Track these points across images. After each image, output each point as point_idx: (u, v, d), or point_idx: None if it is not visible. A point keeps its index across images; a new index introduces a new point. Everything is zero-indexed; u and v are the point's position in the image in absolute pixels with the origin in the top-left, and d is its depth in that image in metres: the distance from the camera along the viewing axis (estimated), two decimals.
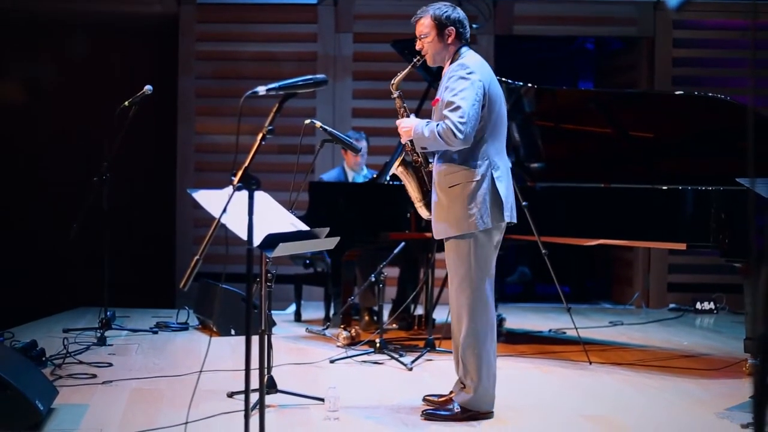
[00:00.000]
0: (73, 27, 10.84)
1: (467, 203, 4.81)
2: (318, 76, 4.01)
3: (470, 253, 4.85)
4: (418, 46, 5.03)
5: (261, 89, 3.79)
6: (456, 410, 4.94)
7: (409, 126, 4.97)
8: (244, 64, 10.34)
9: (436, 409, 5.04)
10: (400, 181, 5.30)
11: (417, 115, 7.32)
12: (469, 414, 4.93)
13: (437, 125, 4.77)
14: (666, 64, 10.40)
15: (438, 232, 4.96)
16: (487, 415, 4.96)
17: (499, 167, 4.89)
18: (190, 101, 10.35)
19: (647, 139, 7.03)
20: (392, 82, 5.20)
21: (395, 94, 5.21)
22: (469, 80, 4.79)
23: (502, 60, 10.34)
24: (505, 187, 4.90)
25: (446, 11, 4.95)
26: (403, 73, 5.18)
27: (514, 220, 4.99)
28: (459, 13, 4.99)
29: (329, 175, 8.49)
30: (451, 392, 5.14)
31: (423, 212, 5.21)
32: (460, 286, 4.90)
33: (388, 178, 7.61)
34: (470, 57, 4.92)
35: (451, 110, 4.73)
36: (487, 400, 4.95)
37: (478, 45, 10.05)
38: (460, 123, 4.69)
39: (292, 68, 9.97)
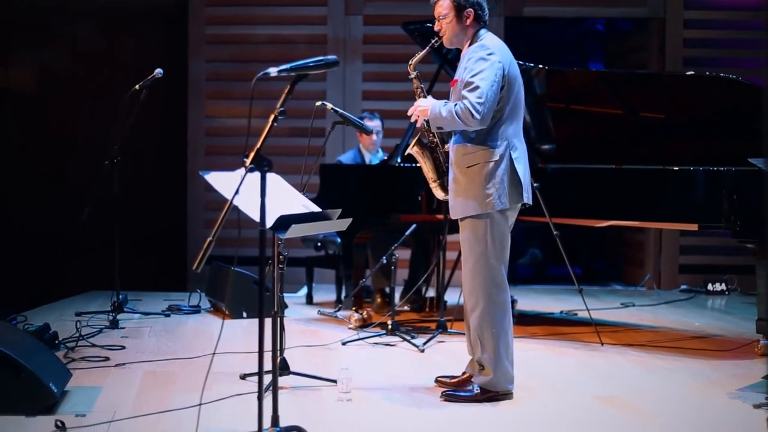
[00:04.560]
0: (82, 12, 10.84)
1: (486, 183, 4.81)
2: (329, 57, 4.02)
3: (487, 233, 4.85)
4: (436, 27, 5.04)
5: (273, 71, 3.79)
6: (476, 391, 4.95)
7: (426, 106, 4.97)
8: (254, 47, 10.34)
9: (455, 390, 5.05)
10: (411, 163, 5.30)
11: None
12: (489, 395, 4.94)
13: (455, 105, 4.77)
14: (677, 45, 10.35)
15: (455, 211, 4.96)
16: (506, 395, 4.98)
17: (517, 148, 4.90)
18: (201, 85, 10.36)
19: (658, 120, 7.01)
20: (410, 62, 5.21)
21: (413, 75, 5.23)
22: (488, 61, 4.80)
23: (512, 41, 10.18)
24: (523, 168, 4.91)
25: None
26: (422, 54, 5.20)
27: (530, 202, 5.00)
28: None
29: (346, 157, 8.47)
30: (463, 373, 5.16)
31: (438, 193, 5.22)
32: (474, 267, 4.90)
33: (399, 160, 7.61)
34: (490, 39, 4.95)
35: (470, 90, 4.74)
36: (507, 379, 4.97)
37: (488, 26, 10.01)
38: (478, 103, 4.70)
39: (302, 51, 9.97)
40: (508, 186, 4.85)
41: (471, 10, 4.96)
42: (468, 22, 4.97)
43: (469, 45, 4.96)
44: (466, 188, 4.88)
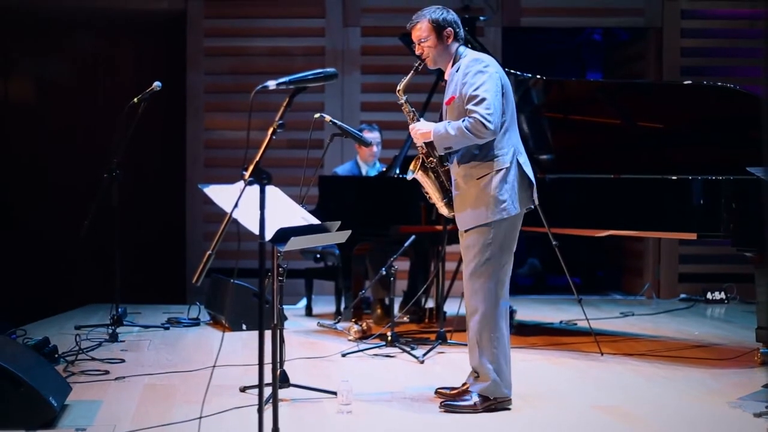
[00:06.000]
0: (81, 24, 10.86)
1: (498, 190, 4.83)
2: (328, 69, 4.02)
3: (493, 240, 4.87)
4: (417, 51, 5.06)
5: (271, 83, 3.79)
6: (475, 400, 4.95)
7: (426, 129, 4.98)
8: (252, 60, 10.36)
9: (454, 400, 5.05)
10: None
11: (426, 109, 7.34)
12: (489, 403, 4.94)
13: (463, 121, 4.79)
14: (674, 55, 10.37)
15: (464, 222, 4.95)
16: (506, 401, 4.99)
17: (522, 153, 4.97)
18: (199, 97, 10.37)
19: (656, 129, 7.02)
20: (398, 88, 5.19)
21: (402, 99, 5.22)
22: (487, 73, 4.84)
23: (509, 52, 10.33)
24: (530, 171, 4.95)
25: (442, 13, 5.00)
26: (407, 78, 5.18)
27: (537, 203, 5.05)
28: (453, 14, 5.05)
29: (343, 169, 8.47)
30: (464, 384, 5.15)
31: (445, 211, 5.19)
32: (477, 271, 4.90)
33: (398, 171, 7.61)
34: (476, 53, 5.00)
35: (476, 103, 4.77)
36: (505, 384, 4.97)
37: (485, 37, 10.04)
38: (488, 114, 4.73)
39: (301, 63, 10.00)
40: (519, 190, 4.90)
41: (450, 29, 4.99)
42: (449, 41, 5.00)
43: (452, 63, 4.99)
44: (476, 197, 4.88)
